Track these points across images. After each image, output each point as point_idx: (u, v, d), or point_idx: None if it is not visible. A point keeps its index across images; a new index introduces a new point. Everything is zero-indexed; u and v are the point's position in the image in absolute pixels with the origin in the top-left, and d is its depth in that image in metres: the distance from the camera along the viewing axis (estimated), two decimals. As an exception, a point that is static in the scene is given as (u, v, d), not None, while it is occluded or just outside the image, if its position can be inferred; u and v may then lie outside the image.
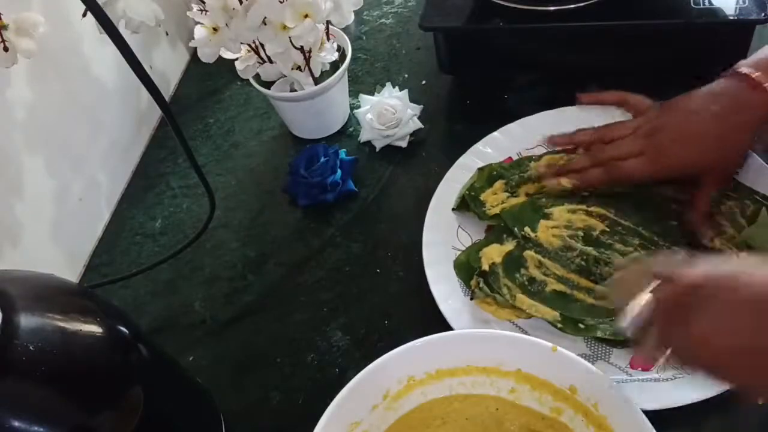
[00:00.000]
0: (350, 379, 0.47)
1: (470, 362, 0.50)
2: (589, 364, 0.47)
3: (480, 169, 0.68)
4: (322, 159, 0.72)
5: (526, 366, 0.49)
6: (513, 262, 0.61)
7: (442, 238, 0.65)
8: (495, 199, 0.66)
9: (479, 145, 0.70)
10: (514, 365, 0.49)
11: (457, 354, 0.49)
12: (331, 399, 0.46)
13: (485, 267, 0.60)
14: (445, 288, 0.61)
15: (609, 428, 0.46)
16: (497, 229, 0.64)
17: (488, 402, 0.50)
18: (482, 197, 0.66)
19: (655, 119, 0.62)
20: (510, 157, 0.69)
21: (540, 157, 0.68)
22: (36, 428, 0.36)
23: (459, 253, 0.64)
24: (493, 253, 0.62)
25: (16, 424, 0.36)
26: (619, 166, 0.61)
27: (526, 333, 0.58)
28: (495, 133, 0.70)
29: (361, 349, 0.61)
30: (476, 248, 0.63)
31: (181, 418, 0.50)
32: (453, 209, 0.66)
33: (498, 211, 0.65)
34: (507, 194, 0.66)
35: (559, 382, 0.48)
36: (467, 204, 0.66)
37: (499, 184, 0.67)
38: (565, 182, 0.63)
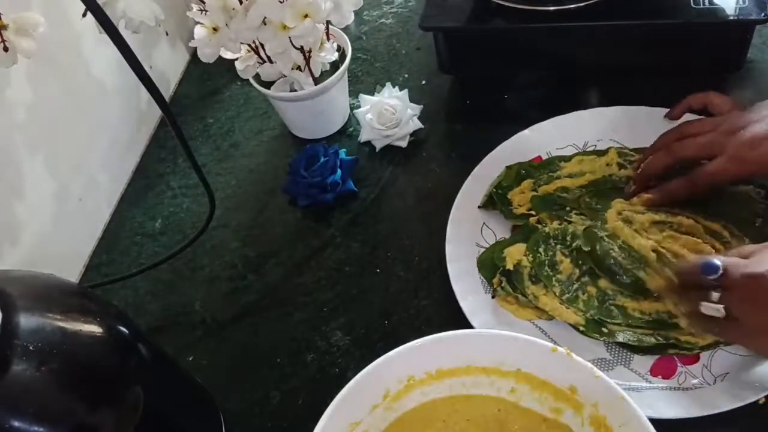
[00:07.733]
0: (350, 379, 0.47)
1: (470, 362, 0.49)
2: (588, 364, 0.46)
3: (508, 167, 0.67)
4: (322, 159, 0.72)
5: (526, 366, 0.49)
6: (546, 265, 0.60)
7: (466, 234, 0.64)
8: (522, 198, 0.65)
9: (508, 143, 0.69)
10: (514, 365, 0.49)
11: (457, 354, 0.49)
12: (331, 399, 0.46)
13: (510, 267, 0.60)
14: (466, 285, 0.61)
15: (609, 428, 0.46)
16: (523, 228, 0.64)
17: (490, 403, 0.50)
18: (509, 196, 0.65)
19: (738, 117, 0.58)
20: (539, 156, 0.69)
21: (570, 157, 0.67)
22: (36, 428, 0.36)
23: (483, 250, 0.63)
24: (518, 253, 0.61)
25: (16, 424, 0.36)
26: (701, 171, 0.58)
27: (546, 334, 0.58)
28: (525, 131, 0.70)
29: (361, 349, 0.61)
30: (501, 246, 0.62)
31: (181, 418, 0.50)
32: (479, 206, 0.66)
33: (524, 211, 0.64)
34: (534, 193, 0.65)
35: (559, 382, 0.48)
36: (494, 202, 0.65)
37: (527, 183, 0.66)
38: (648, 197, 0.60)
